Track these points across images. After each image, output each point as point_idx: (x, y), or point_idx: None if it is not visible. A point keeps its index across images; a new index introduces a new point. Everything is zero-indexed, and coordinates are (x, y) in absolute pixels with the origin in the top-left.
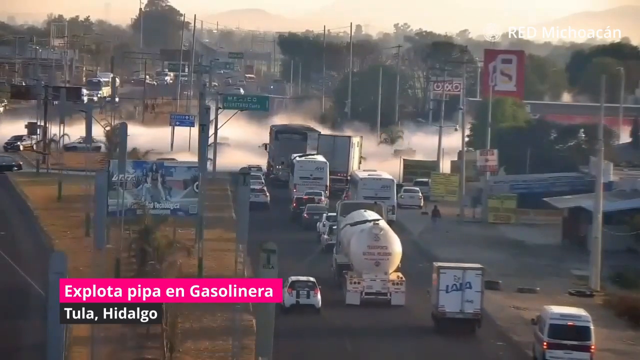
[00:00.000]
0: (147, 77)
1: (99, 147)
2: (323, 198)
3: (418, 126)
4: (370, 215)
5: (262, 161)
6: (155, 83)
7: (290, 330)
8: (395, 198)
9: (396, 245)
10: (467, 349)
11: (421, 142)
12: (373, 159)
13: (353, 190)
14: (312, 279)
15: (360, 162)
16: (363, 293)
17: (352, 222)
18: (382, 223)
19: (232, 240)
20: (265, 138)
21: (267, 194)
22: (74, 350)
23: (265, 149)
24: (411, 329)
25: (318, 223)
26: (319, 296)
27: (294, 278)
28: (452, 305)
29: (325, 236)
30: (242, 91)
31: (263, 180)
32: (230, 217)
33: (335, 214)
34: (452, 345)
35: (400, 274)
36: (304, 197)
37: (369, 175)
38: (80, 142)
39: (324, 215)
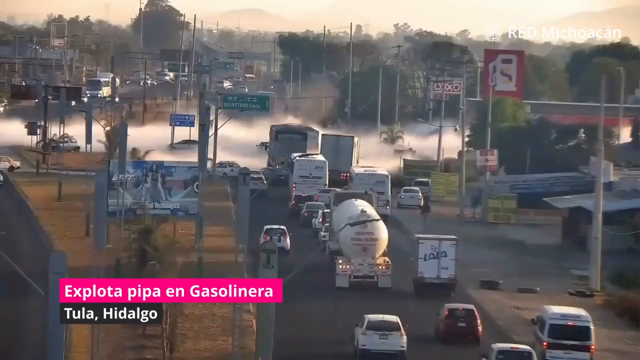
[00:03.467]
0: (148, 76)
1: (78, 147)
2: None
3: (418, 126)
4: (361, 204)
5: (253, 161)
6: (169, 81)
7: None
8: (390, 193)
9: (382, 232)
10: (468, 350)
11: (421, 142)
12: (373, 159)
13: (350, 185)
14: (282, 227)
15: (357, 162)
16: (352, 276)
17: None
18: (370, 211)
19: (232, 239)
20: (259, 138)
21: (265, 181)
22: (75, 350)
23: (265, 148)
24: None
25: (314, 219)
26: (288, 240)
27: (268, 227)
28: (429, 271)
29: (323, 233)
30: (246, 90)
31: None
32: (230, 216)
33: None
34: (455, 348)
35: (386, 259)
36: (303, 194)
37: (364, 170)
38: (62, 142)
39: (320, 212)
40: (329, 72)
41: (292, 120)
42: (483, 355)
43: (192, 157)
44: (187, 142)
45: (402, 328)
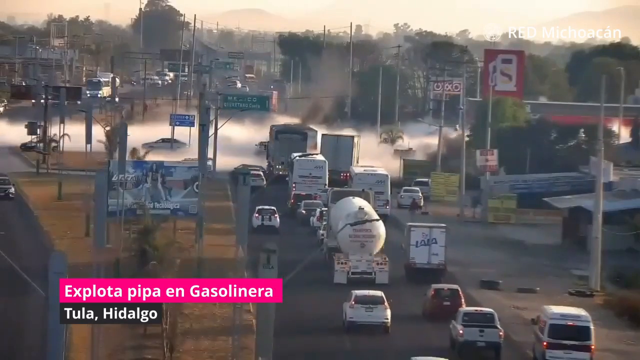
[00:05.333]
0: (154, 76)
1: (56, 147)
2: None
3: (418, 126)
4: (359, 202)
5: (247, 160)
6: (160, 82)
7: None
8: (390, 192)
9: (380, 229)
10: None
11: (421, 142)
12: (373, 159)
13: (350, 184)
14: (273, 207)
15: (357, 161)
16: (349, 273)
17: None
18: (368, 208)
19: (232, 239)
20: (255, 137)
21: (264, 178)
22: (75, 350)
23: (265, 148)
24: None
25: (311, 217)
26: (278, 219)
27: (259, 207)
28: (420, 257)
29: (321, 231)
30: (247, 89)
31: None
32: (230, 216)
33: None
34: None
35: (384, 255)
36: (302, 193)
37: (364, 170)
38: (35, 143)
39: (318, 210)
40: (328, 72)
41: (287, 120)
42: (452, 319)
43: (167, 157)
44: (165, 141)
45: (386, 302)
